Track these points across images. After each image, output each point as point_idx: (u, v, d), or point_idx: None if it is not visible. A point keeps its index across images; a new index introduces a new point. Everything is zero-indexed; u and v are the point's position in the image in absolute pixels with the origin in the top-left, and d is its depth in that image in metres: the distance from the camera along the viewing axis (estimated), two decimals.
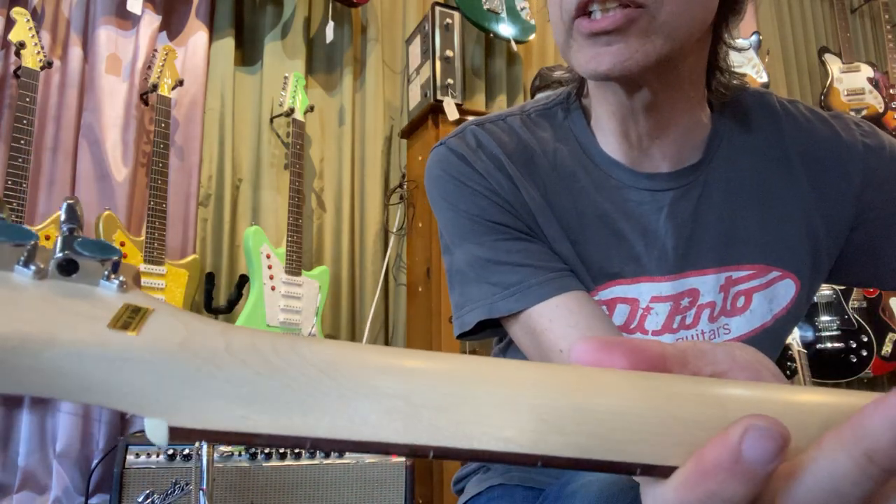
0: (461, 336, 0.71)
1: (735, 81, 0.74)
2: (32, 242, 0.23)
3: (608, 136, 0.71)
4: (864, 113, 3.50)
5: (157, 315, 0.23)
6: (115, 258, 0.24)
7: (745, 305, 0.71)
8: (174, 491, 1.64)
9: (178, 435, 0.22)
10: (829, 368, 2.91)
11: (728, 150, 0.72)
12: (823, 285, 2.92)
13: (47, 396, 0.22)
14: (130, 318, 0.23)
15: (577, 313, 0.63)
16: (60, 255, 0.23)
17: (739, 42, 3.25)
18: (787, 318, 0.72)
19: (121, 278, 0.24)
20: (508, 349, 0.81)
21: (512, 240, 0.68)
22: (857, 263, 0.76)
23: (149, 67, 2.26)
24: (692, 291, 0.70)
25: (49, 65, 2.01)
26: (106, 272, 0.24)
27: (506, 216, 0.68)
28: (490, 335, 0.75)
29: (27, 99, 1.90)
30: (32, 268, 0.23)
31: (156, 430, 0.22)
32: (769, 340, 0.72)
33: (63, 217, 0.25)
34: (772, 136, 0.74)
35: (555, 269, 0.67)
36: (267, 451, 1.75)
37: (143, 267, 2.00)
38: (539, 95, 2.62)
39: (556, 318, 0.64)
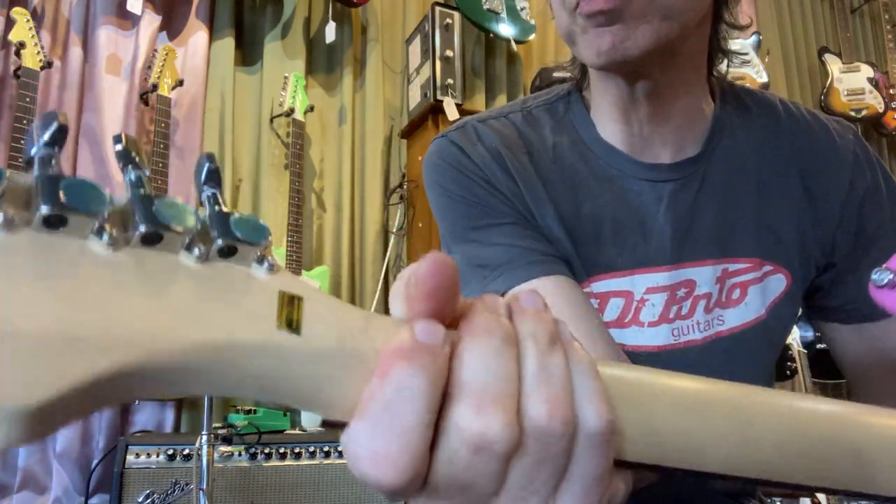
0: None
1: (735, 65, 0.75)
2: (196, 226, 0.22)
3: (609, 126, 0.72)
4: (864, 113, 3.50)
5: (310, 306, 0.24)
6: (269, 240, 0.24)
7: (740, 297, 0.72)
8: (174, 491, 1.64)
9: (330, 425, 0.25)
10: (829, 368, 2.90)
11: (728, 144, 0.73)
12: None
13: (226, 395, 0.24)
14: (290, 312, 0.24)
15: (556, 296, 0.63)
16: (221, 241, 0.23)
17: (743, 42, 3.24)
18: (779, 312, 0.73)
19: (270, 260, 0.24)
20: None
21: (506, 224, 0.69)
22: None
23: (149, 67, 2.25)
24: (689, 282, 0.71)
25: (49, 65, 2.01)
26: (258, 254, 0.24)
27: (501, 204, 0.69)
28: None
29: (27, 99, 1.90)
30: (196, 252, 0.22)
31: (311, 421, 0.23)
32: (765, 336, 0.72)
33: (203, 178, 0.24)
34: (771, 132, 0.74)
35: (544, 253, 0.67)
36: (267, 451, 1.75)
37: None
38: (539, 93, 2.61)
39: None
